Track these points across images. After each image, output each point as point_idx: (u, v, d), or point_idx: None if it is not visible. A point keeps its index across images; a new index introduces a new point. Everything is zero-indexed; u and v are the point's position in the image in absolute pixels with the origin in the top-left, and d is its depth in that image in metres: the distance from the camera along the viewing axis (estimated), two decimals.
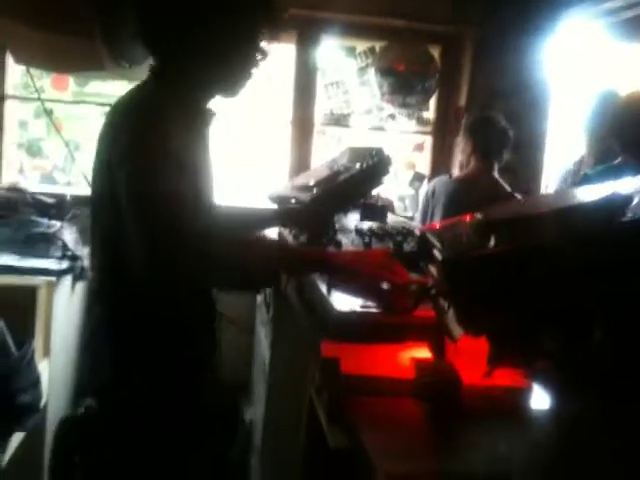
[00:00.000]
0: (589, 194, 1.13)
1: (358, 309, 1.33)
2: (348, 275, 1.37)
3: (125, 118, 1.38)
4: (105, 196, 1.38)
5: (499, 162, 3.00)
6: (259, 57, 1.47)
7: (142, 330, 1.48)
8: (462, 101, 3.45)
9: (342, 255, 1.55)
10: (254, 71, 1.48)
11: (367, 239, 1.87)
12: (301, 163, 3.47)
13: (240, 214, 1.92)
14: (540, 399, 1.16)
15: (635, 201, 1.04)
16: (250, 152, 3.66)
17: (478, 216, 1.10)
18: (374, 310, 1.32)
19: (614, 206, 1.03)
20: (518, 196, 2.93)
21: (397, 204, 3.37)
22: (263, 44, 1.47)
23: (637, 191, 1.06)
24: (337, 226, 2.04)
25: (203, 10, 1.38)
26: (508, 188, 2.98)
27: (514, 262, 0.98)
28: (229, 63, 1.45)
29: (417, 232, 1.83)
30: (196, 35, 1.39)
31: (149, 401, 1.51)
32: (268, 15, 1.46)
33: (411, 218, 3.07)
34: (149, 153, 1.30)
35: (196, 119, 1.51)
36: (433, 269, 1.12)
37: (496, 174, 3.00)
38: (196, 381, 1.60)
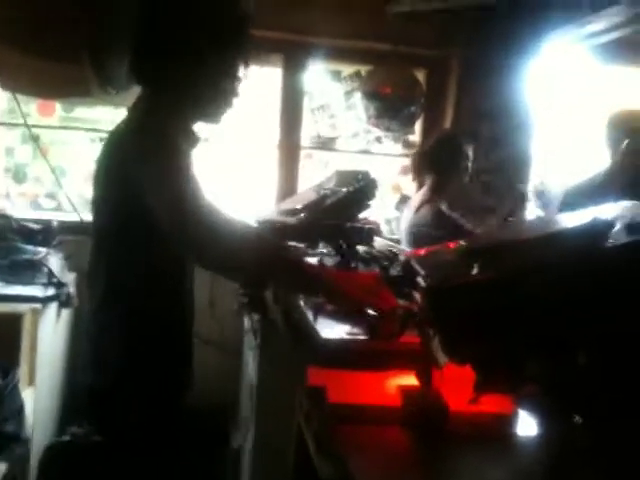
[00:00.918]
0: (571, 220, 1.14)
1: (344, 336, 1.32)
2: (337, 296, 1.37)
3: (125, 142, 1.48)
4: (114, 211, 1.48)
5: (444, 181, 3.00)
6: (238, 86, 1.57)
7: (126, 351, 1.52)
8: (448, 124, 3.48)
9: (334, 276, 1.55)
10: (234, 100, 1.59)
11: (354, 263, 1.87)
12: (288, 187, 3.48)
13: None
14: (527, 425, 1.15)
15: (617, 227, 1.05)
16: (237, 176, 3.66)
17: (462, 243, 1.10)
18: (361, 337, 1.32)
19: (597, 232, 1.04)
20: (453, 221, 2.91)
21: (384, 227, 3.38)
22: (241, 74, 1.57)
23: (619, 216, 1.07)
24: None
25: (188, 48, 1.49)
26: (442, 209, 2.95)
27: (497, 289, 0.98)
28: (209, 92, 1.55)
29: (402, 257, 1.83)
30: (181, 68, 1.50)
31: (134, 427, 1.52)
32: (245, 51, 1.56)
33: (398, 241, 3.08)
34: (157, 156, 1.39)
35: (183, 141, 1.57)
36: (417, 295, 1.12)
37: (441, 199, 2.97)
38: (180, 405, 1.62)
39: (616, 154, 2.86)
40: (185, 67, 1.50)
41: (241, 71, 1.57)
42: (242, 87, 1.58)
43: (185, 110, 1.57)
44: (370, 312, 1.32)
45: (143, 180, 1.38)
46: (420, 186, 3.22)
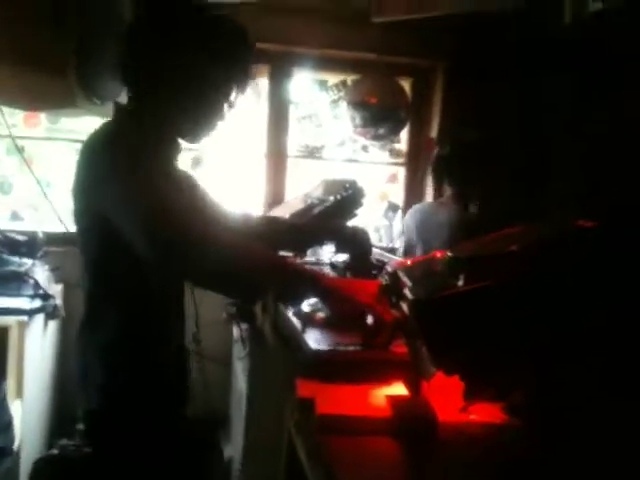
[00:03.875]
0: (552, 230, 1.15)
1: (333, 347, 1.33)
2: (339, 301, 1.35)
3: (103, 153, 1.41)
4: (91, 227, 1.44)
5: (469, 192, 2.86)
6: (226, 109, 1.54)
7: (116, 365, 1.50)
8: (433, 132, 3.50)
9: (337, 280, 1.53)
10: (219, 122, 1.55)
11: (341, 272, 1.88)
12: (276, 196, 3.48)
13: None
14: (517, 434, 1.16)
15: (600, 235, 1.06)
16: (225, 185, 3.66)
17: (449, 253, 1.11)
18: (349, 348, 1.32)
19: (579, 241, 1.05)
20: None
21: (372, 235, 3.38)
22: (232, 97, 1.53)
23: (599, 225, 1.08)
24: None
25: (184, 62, 1.45)
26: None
27: (483, 300, 0.99)
28: (197, 110, 1.51)
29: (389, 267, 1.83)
30: (173, 81, 1.46)
31: (124, 440, 1.51)
32: (242, 75, 1.52)
33: (392, 250, 3.08)
34: (134, 172, 1.34)
35: (165, 150, 1.56)
36: (404, 306, 1.13)
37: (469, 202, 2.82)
38: (172, 418, 1.61)
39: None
40: (176, 82, 1.46)
41: (232, 96, 1.53)
42: (229, 112, 1.55)
43: (168, 124, 1.52)
44: (368, 320, 1.31)
45: (113, 201, 1.34)
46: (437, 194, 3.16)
